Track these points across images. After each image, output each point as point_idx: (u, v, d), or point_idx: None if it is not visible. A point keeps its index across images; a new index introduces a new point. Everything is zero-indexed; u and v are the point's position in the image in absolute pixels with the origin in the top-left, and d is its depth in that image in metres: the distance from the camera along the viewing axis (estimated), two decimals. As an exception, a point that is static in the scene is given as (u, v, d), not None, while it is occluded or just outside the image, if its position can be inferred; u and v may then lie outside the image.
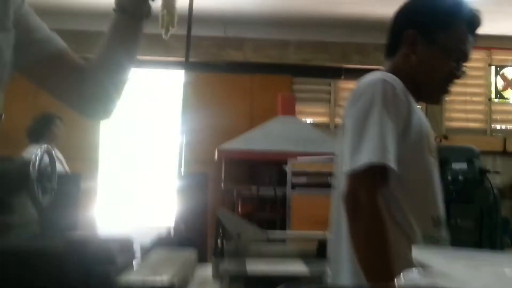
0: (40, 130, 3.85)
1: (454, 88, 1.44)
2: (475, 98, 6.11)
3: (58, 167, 3.61)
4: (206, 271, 1.57)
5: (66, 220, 1.23)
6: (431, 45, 1.36)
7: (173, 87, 5.40)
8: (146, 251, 1.45)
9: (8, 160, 1.07)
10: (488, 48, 5.92)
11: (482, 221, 2.54)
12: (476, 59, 5.84)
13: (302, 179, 3.74)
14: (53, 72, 1.09)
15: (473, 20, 1.38)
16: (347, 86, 6.08)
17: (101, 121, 3.98)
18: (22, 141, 3.81)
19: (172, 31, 1.19)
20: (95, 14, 5.35)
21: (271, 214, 4.54)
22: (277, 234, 2.22)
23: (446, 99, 1.21)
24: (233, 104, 5.53)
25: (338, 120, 6.01)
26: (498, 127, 6.06)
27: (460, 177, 2.52)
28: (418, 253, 0.68)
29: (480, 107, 6.14)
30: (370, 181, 1.20)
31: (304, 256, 1.70)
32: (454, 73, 1.38)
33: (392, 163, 1.19)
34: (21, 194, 0.95)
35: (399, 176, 1.23)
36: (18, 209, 0.94)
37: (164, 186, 5.17)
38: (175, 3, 1.18)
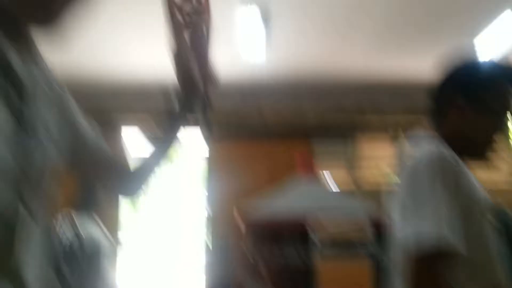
0: (86, 198, 3.41)
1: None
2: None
3: (98, 235, 3.53)
4: None
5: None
6: (477, 107, 1.44)
7: (195, 158, 5.48)
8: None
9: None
10: None
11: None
12: None
13: (328, 246, 3.71)
14: (91, 167, 1.16)
15: None
16: (367, 146, 6.11)
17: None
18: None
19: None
20: (117, 92, 5.57)
21: (296, 281, 4.46)
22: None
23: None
24: (253, 168, 5.56)
25: (358, 179, 6.00)
26: None
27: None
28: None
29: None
30: (437, 266, 1.19)
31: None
32: (500, 128, 1.44)
33: (460, 247, 1.19)
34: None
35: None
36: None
37: (190, 259, 5.15)
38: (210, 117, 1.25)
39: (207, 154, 3.69)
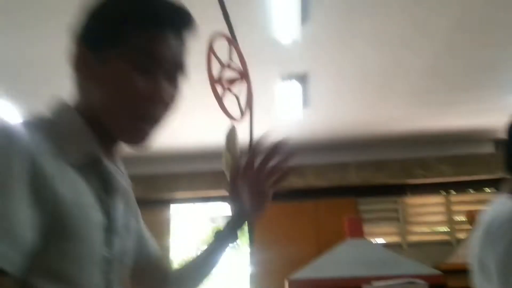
0: None
1: None
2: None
3: None
4: None
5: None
6: None
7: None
8: None
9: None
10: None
11: None
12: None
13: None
14: (142, 272, 1.12)
15: None
16: (414, 202, 5.97)
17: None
18: None
19: None
20: (166, 158, 5.72)
21: None
22: None
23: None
24: (299, 231, 5.49)
25: (409, 238, 5.80)
26: None
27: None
28: None
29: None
30: None
31: None
32: None
33: None
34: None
35: None
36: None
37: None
38: (238, 148, 1.23)
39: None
